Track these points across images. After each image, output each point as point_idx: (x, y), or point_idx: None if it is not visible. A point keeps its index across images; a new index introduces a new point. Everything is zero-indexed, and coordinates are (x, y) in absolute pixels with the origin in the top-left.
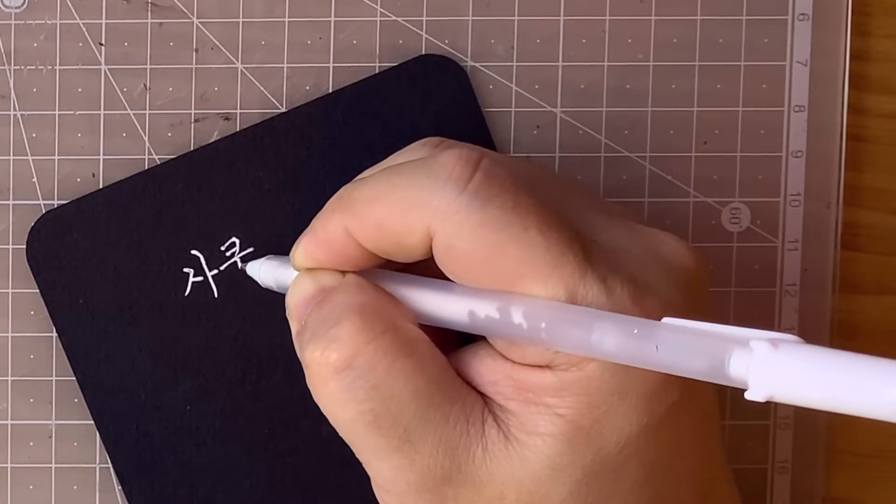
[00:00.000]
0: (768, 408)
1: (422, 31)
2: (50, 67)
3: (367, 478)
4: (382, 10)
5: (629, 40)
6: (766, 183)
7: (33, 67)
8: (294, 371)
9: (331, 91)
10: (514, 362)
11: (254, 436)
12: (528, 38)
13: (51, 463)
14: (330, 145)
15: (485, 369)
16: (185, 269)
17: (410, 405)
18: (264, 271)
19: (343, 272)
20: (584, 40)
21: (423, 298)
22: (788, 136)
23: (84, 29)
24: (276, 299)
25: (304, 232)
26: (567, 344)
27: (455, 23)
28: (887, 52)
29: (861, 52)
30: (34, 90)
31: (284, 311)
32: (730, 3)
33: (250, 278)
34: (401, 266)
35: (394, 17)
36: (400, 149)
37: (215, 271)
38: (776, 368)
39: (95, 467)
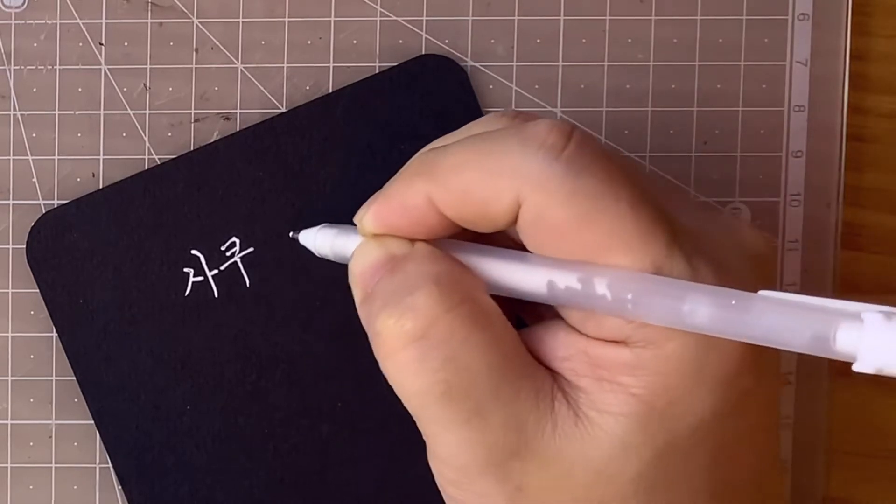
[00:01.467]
0: None
1: (422, 31)
2: (50, 67)
3: (367, 478)
4: (382, 10)
5: (629, 40)
6: (766, 183)
7: (33, 67)
8: (294, 371)
9: (331, 91)
10: (588, 337)
11: (254, 436)
12: (528, 38)
13: (51, 463)
14: (330, 145)
15: (558, 345)
16: (185, 269)
17: (483, 378)
18: (321, 239)
19: (412, 241)
20: (584, 40)
21: (499, 268)
22: (788, 136)
23: (84, 29)
24: (276, 299)
25: (375, 197)
26: (655, 315)
27: (455, 23)
28: (887, 52)
29: (861, 52)
30: (34, 90)
31: (284, 311)
32: (730, 3)
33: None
34: (468, 237)
35: (394, 17)
36: (399, 149)
37: (215, 271)
38: (889, 340)
39: (95, 467)
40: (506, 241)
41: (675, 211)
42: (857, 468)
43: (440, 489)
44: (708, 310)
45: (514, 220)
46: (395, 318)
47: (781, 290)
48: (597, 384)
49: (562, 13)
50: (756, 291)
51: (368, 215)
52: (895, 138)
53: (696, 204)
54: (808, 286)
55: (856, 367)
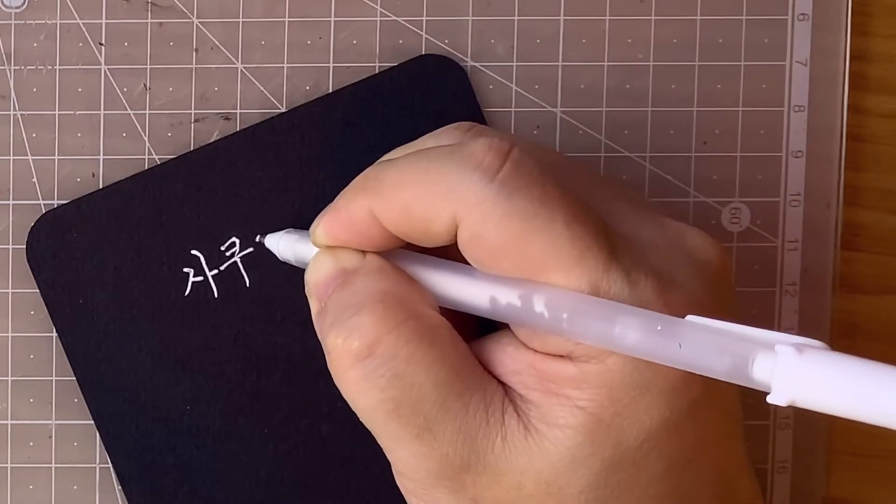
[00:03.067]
0: (768, 408)
1: (422, 31)
2: (50, 67)
3: (367, 478)
4: (382, 10)
5: (629, 40)
6: (766, 183)
7: (33, 67)
8: (294, 371)
9: (331, 91)
10: (535, 351)
11: (254, 436)
12: (528, 38)
13: (51, 463)
14: (330, 145)
15: (508, 358)
16: (185, 269)
17: (431, 394)
18: (283, 245)
19: (363, 252)
20: (584, 40)
21: (444, 282)
22: (788, 136)
23: (84, 29)
24: (276, 299)
25: (326, 209)
26: (588, 336)
27: (455, 23)
28: (887, 52)
29: (861, 52)
30: (34, 90)
31: (284, 311)
32: (730, 3)
33: (267, 253)
34: (419, 248)
35: (394, 17)
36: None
37: (215, 271)
38: (800, 374)
39: (95, 467)
40: (458, 252)
41: (621, 222)
42: (857, 468)
43: (406, 500)
44: (636, 334)
45: (455, 238)
46: (343, 337)
47: (782, 290)
48: (546, 397)
49: (562, 13)
50: (703, 301)
51: (319, 228)
52: (895, 138)
53: (645, 212)
54: (808, 286)
55: (769, 399)
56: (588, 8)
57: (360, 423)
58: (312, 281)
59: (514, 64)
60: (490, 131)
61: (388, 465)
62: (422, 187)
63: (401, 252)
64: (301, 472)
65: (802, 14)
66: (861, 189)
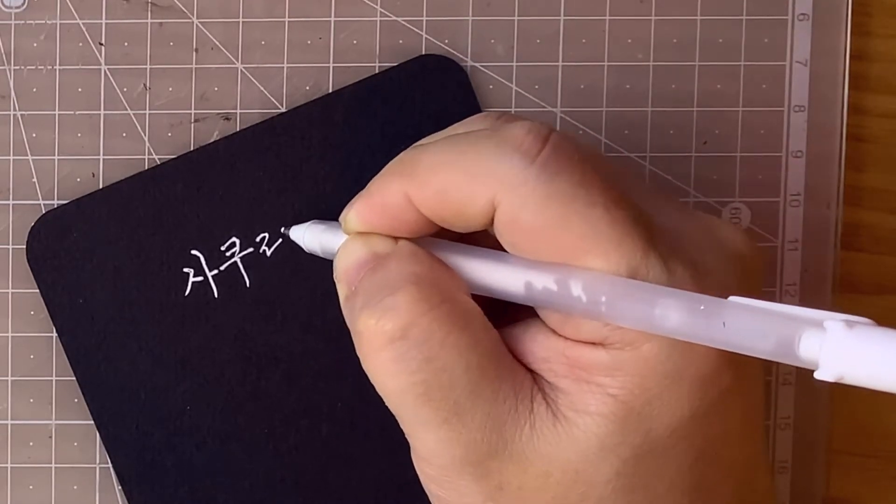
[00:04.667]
0: (769, 408)
1: (422, 31)
2: (50, 67)
3: (367, 478)
4: (382, 10)
5: (629, 40)
6: (766, 183)
7: (33, 67)
8: (294, 371)
9: (331, 91)
10: (567, 339)
11: (254, 436)
12: (528, 38)
13: (51, 463)
14: (330, 145)
15: (537, 346)
16: (185, 269)
17: (462, 379)
18: (309, 235)
19: (396, 239)
20: (584, 40)
21: (478, 268)
22: (788, 136)
23: (84, 29)
24: (276, 299)
25: (358, 195)
26: (628, 319)
27: (455, 23)
28: (887, 52)
29: (861, 52)
30: (34, 90)
31: (284, 311)
32: (730, 3)
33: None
34: (453, 235)
35: (394, 17)
36: (399, 148)
37: (215, 271)
38: (850, 348)
39: (95, 467)
40: (489, 240)
41: (654, 212)
42: (857, 468)
43: (424, 487)
44: (678, 314)
45: (491, 222)
46: (376, 318)
47: (782, 290)
48: (576, 385)
49: (562, 13)
50: (735, 292)
51: (351, 213)
52: (895, 138)
53: (676, 204)
54: (808, 286)
55: (817, 375)
56: (588, 8)
57: (361, 423)
58: (342, 266)
59: (514, 64)
60: (524, 118)
61: (389, 465)
62: (459, 169)
63: (433, 240)
64: (301, 472)
65: (802, 14)
66: (861, 189)
